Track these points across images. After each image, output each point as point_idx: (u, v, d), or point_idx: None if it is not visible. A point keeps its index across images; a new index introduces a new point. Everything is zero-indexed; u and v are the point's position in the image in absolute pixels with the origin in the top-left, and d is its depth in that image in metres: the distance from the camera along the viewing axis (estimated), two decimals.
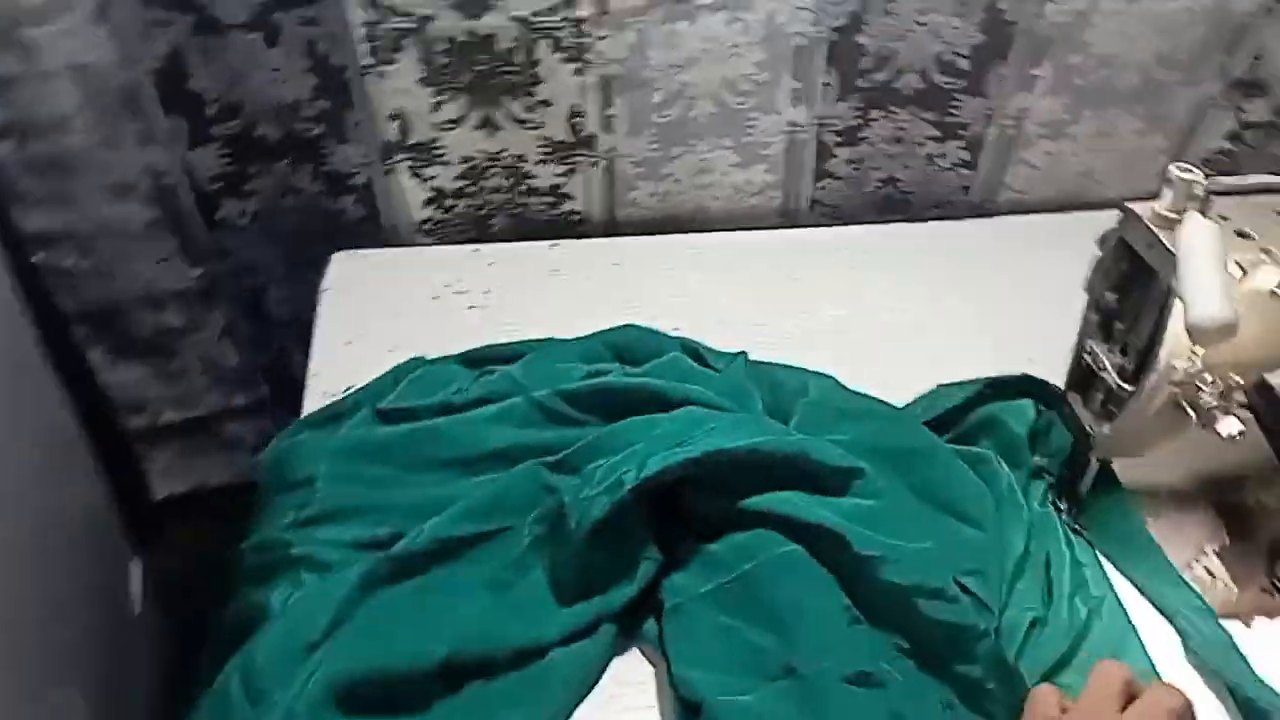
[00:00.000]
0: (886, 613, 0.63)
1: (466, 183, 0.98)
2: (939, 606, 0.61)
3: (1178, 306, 0.61)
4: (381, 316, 0.92)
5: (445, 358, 0.85)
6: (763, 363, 0.83)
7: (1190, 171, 0.62)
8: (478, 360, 0.84)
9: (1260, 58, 0.97)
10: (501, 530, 0.69)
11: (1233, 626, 0.69)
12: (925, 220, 1.05)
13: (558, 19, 0.87)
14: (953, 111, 0.98)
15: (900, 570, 0.62)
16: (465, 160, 0.96)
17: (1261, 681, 0.64)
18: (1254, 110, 1.01)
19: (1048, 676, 0.64)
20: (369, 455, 0.73)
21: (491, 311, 0.93)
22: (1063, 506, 0.76)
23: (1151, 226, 0.63)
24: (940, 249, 1.02)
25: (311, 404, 0.83)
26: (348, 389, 0.83)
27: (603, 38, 0.89)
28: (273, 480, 0.74)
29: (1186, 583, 0.71)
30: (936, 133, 1.00)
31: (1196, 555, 0.74)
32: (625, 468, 0.65)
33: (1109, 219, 1.06)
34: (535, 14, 0.86)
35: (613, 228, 1.03)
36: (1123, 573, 0.72)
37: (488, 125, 0.94)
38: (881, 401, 0.81)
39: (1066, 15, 0.92)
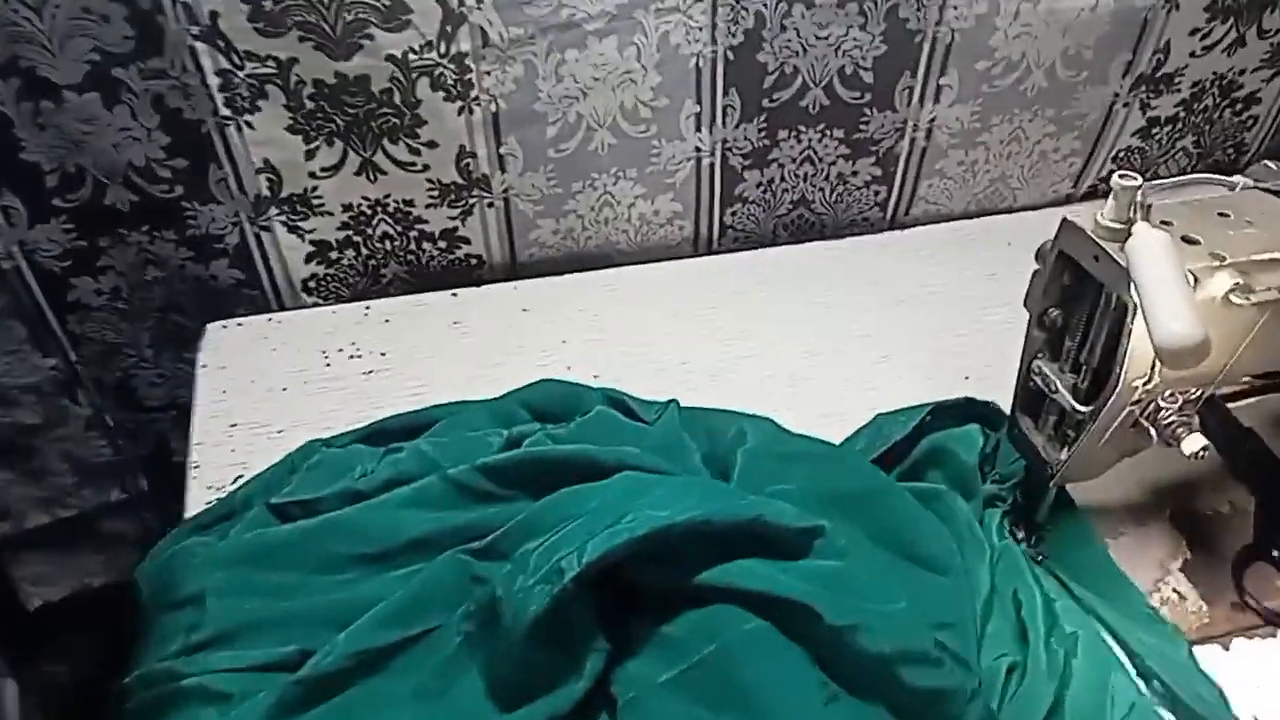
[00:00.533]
0: (866, 683, 0.57)
1: (351, 232, 0.91)
2: (923, 672, 0.56)
3: (1138, 323, 0.57)
4: (268, 393, 0.83)
5: (344, 435, 0.76)
6: (695, 409, 0.77)
7: (1131, 178, 0.58)
8: (381, 435, 0.76)
9: (1164, 52, 0.96)
10: (427, 633, 0.61)
11: (1212, 651, 0.66)
12: (840, 235, 1.02)
13: (435, 56, 0.80)
14: (862, 127, 0.95)
15: (878, 638, 0.56)
16: (347, 209, 0.89)
17: None
18: (1161, 105, 1.01)
19: None
20: (266, 560, 0.65)
21: (391, 375, 0.86)
22: (1020, 535, 0.72)
23: (1095, 238, 0.60)
24: (858, 265, 0.99)
25: (195, 500, 0.74)
26: (236, 481, 0.74)
27: (487, 73, 0.82)
28: (156, 598, 0.65)
29: (1156, 616, 0.68)
30: (847, 150, 0.96)
31: (1162, 575, 0.71)
32: (564, 551, 0.58)
33: (1024, 222, 1.06)
34: (410, 52, 0.79)
35: (515, 270, 0.97)
36: (1088, 610, 0.68)
37: (369, 170, 0.86)
38: (823, 442, 0.76)
39: (969, 21, 0.89)
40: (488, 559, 0.64)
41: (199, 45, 0.75)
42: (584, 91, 0.86)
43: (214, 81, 0.77)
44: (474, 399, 0.80)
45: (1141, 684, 0.64)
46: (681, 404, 0.77)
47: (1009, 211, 1.06)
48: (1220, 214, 0.62)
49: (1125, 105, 1.00)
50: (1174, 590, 0.70)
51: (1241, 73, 1.02)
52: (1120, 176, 0.58)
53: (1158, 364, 0.60)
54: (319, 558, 0.65)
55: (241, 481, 0.73)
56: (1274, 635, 0.67)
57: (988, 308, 0.94)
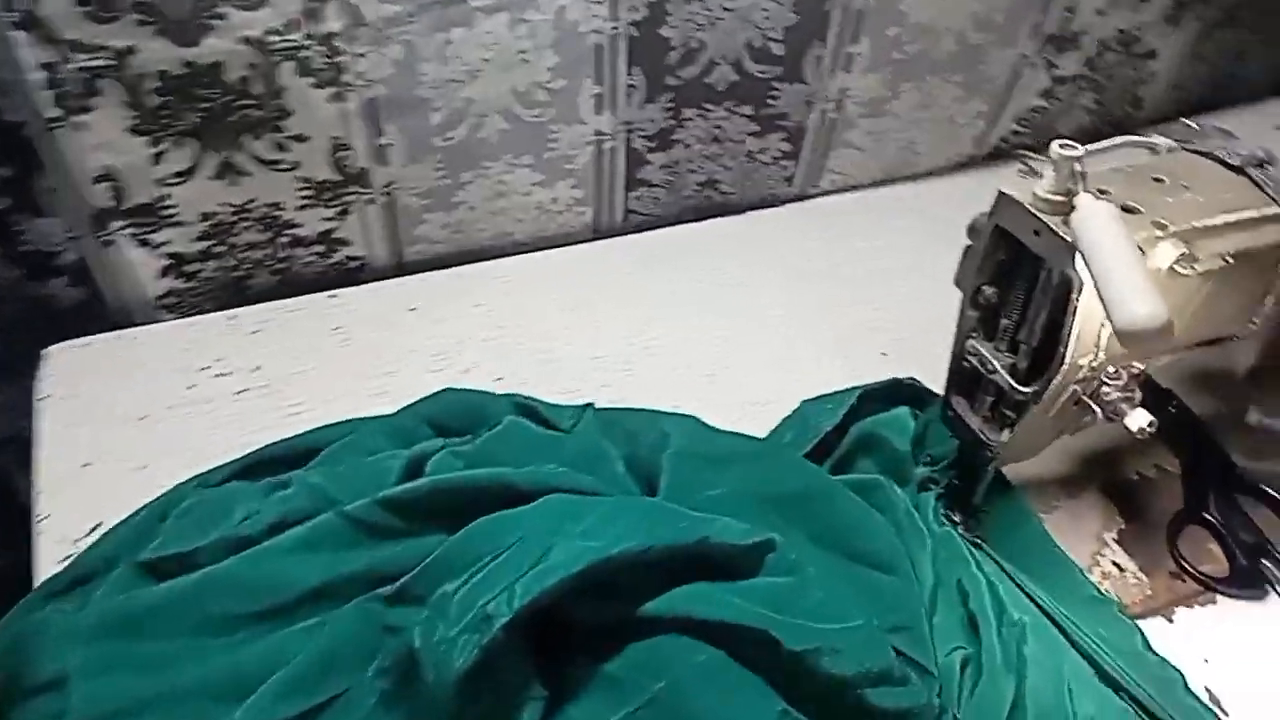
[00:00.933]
0: (830, 708, 0.53)
1: (212, 243, 0.81)
2: (888, 693, 0.52)
3: (1089, 301, 0.54)
4: (124, 423, 0.74)
5: (219, 470, 0.68)
6: (612, 410, 0.71)
7: (1072, 147, 0.54)
8: (263, 467, 0.68)
9: (1072, 10, 0.94)
10: (336, 697, 0.54)
11: (1157, 625, 0.65)
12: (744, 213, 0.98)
13: (300, 37, 0.71)
14: (771, 102, 0.90)
15: (841, 660, 0.52)
16: (206, 217, 0.79)
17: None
18: (1066, 64, 0.99)
19: None
20: (140, 628, 0.56)
21: (267, 393, 0.77)
22: (956, 519, 0.69)
23: (1035, 212, 0.56)
24: (765, 241, 0.95)
25: (46, 557, 0.64)
26: (94, 532, 0.64)
27: (361, 55, 0.74)
28: (6, 684, 0.55)
29: (1102, 596, 0.66)
30: (756, 127, 0.91)
31: (1099, 547, 0.70)
32: (489, 595, 0.52)
33: (929, 189, 1.03)
34: (270, 33, 0.70)
35: (401, 271, 0.89)
36: (1030, 595, 0.65)
37: (229, 173, 0.77)
38: (751, 438, 0.72)
39: None
40: (401, 605, 0.57)
41: (16, 35, 0.65)
42: (472, 74, 0.78)
43: (36, 77, 0.66)
44: (365, 415, 0.72)
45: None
46: (597, 405, 0.72)
47: (914, 178, 1.03)
48: (1155, 179, 0.60)
49: (1032, 65, 0.98)
50: (1113, 563, 0.69)
51: (1141, 28, 1.01)
52: (1060, 146, 0.55)
53: (1103, 341, 0.57)
54: (202, 620, 0.56)
55: (101, 533, 0.64)
56: (1214, 602, 0.67)
57: (900, 279, 0.91)
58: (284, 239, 0.83)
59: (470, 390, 0.73)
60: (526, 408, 0.71)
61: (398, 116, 0.79)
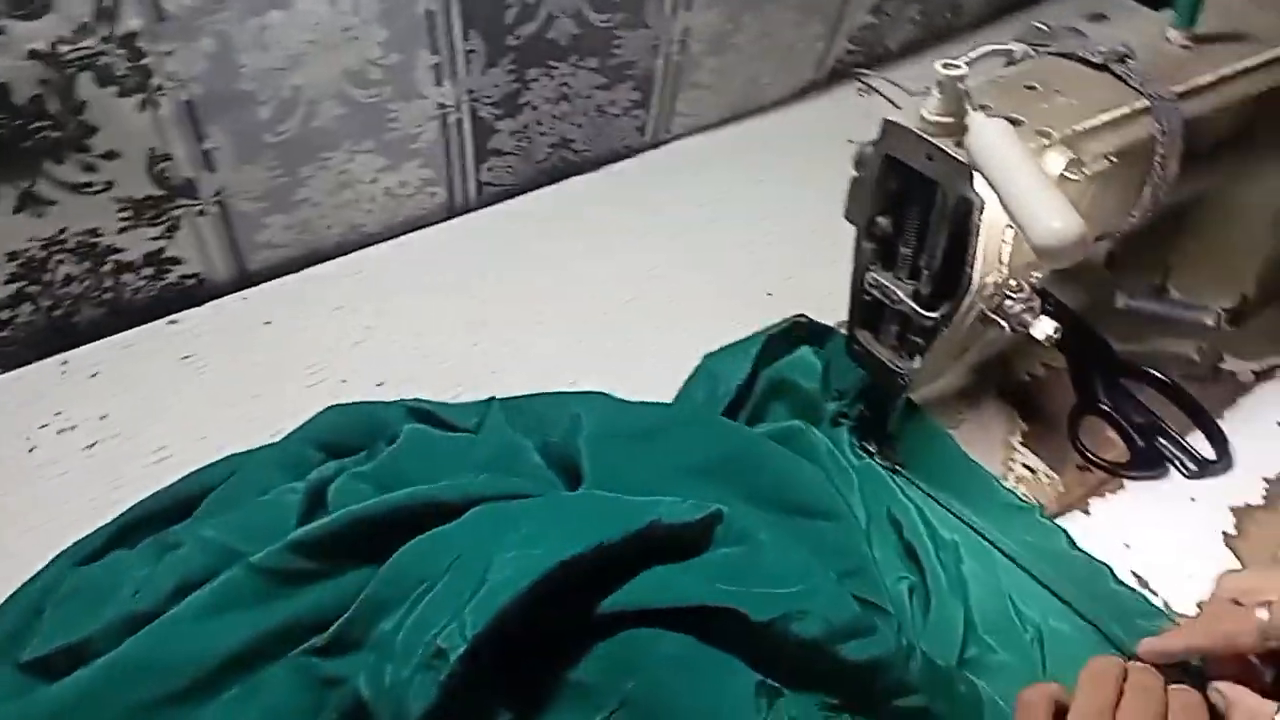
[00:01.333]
0: (806, 671, 0.52)
1: (24, 284, 0.72)
2: (860, 645, 0.51)
3: (991, 221, 0.54)
4: None
5: (89, 541, 0.60)
6: (517, 400, 0.68)
7: (955, 66, 0.54)
8: (141, 527, 0.61)
9: None
10: None
11: (1076, 520, 0.67)
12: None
13: (95, 43, 0.63)
14: (616, 51, 0.86)
15: (809, 622, 0.51)
16: (13, 257, 0.70)
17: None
18: None
19: (966, 657, 0.58)
20: None
21: (122, 442, 0.69)
22: (873, 449, 0.69)
23: (927, 136, 0.55)
24: (625, 196, 0.92)
25: None
26: None
27: (168, 53, 0.66)
28: None
29: (1021, 501, 0.68)
30: (604, 79, 0.88)
31: (1008, 452, 0.72)
32: (437, 626, 0.48)
33: (776, 120, 1.02)
34: (59, 43, 0.61)
35: (247, 284, 0.81)
36: (956, 515, 0.66)
37: (32, 204, 0.68)
38: (664, 406, 0.70)
39: None
40: (337, 654, 0.52)
41: None
42: (296, 59, 0.71)
43: None
44: (244, 449, 0.66)
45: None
46: (493, 394, 0.68)
47: (760, 110, 1.02)
48: (1028, 87, 0.60)
49: None
50: (1024, 465, 0.71)
51: None
52: (943, 66, 0.53)
53: (1005, 256, 0.57)
54: (117, 716, 0.50)
55: None
56: (1123, 487, 0.69)
57: (767, 215, 0.90)
58: (107, 267, 0.74)
59: (357, 404, 0.68)
60: (422, 413, 0.66)
61: (220, 116, 0.71)
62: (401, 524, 0.55)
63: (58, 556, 0.59)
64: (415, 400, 0.68)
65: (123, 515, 0.62)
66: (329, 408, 0.67)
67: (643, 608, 0.51)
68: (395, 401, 0.68)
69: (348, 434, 0.65)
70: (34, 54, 0.61)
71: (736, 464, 0.62)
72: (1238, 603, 0.52)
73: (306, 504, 0.59)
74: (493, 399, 0.67)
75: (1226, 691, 0.52)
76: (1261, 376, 0.76)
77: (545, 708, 0.51)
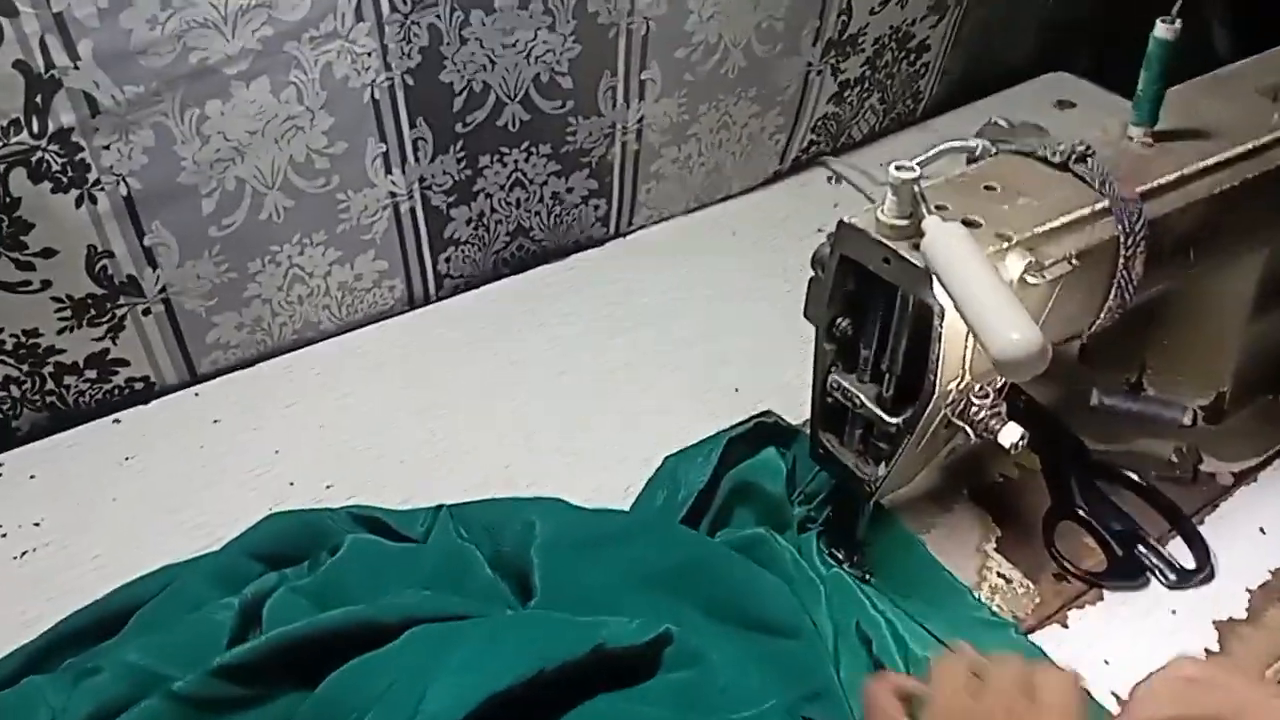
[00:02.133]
0: None
1: None
2: None
3: (953, 326, 0.52)
4: None
5: (6, 661, 0.57)
6: (467, 505, 0.65)
7: (908, 168, 0.52)
8: (63, 646, 0.58)
9: (848, 13, 0.94)
10: None
11: (1054, 633, 0.64)
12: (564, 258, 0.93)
13: (28, 138, 0.61)
14: (569, 138, 0.85)
15: None
16: None
17: None
18: (849, 68, 0.99)
19: None
20: None
21: (55, 551, 0.66)
22: (841, 557, 0.66)
23: (883, 240, 0.54)
24: (589, 285, 0.91)
25: None
26: None
27: (105, 147, 0.65)
28: None
29: (996, 618, 0.64)
30: (557, 166, 0.86)
31: (982, 560, 0.69)
32: None
33: (741, 208, 1.01)
34: None
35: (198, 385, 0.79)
36: (924, 628, 0.63)
37: None
38: (621, 513, 0.67)
39: (661, 7, 0.82)
40: None
41: None
42: (239, 150, 0.70)
43: None
44: (184, 558, 0.63)
45: None
46: (448, 499, 0.65)
47: (725, 199, 1.01)
48: (987, 187, 0.58)
49: (819, 73, 0.98)
50: (998, 575, 0.68)
51: (913, 23, 1.02)
52: (896, 168, 0.52)
53: (969, 362, 0.55)
54: None
55: None
56: (1101, 598, 0.66)
57: (733, 306, 0.89)
58: (47, 369, 0.72)
59: (299, 511, 0.65)
60: (369, 520, 0.64)
61: (161, 210, 0.69)
62: (335, 647, 0.52)
63: None
64: (360, 507, 0.65)
65: (45, 634, 0.58)
66: (270, 515, 0.65)
67: None
68: (340, 508, 0.65)
69: (289, 544, 0.63)
70: None
71: (694, 575, 0.59)
72: None
73: (239, 621, 0.56)
74: (441, 506, 0.64)
75: None
76: (1241, 479, 0.73)
77: None
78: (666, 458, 0.71)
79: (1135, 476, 0.71)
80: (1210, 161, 0.61)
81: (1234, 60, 0.72)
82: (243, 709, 0.51)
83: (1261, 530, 0.70)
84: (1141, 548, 0.68)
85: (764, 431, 0.72)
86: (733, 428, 0.71)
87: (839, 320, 0.60)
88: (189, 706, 0.51)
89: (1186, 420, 0.75)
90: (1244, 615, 0.65)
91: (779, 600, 0.59)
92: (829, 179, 1.05)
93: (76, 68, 0.60)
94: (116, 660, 0.54)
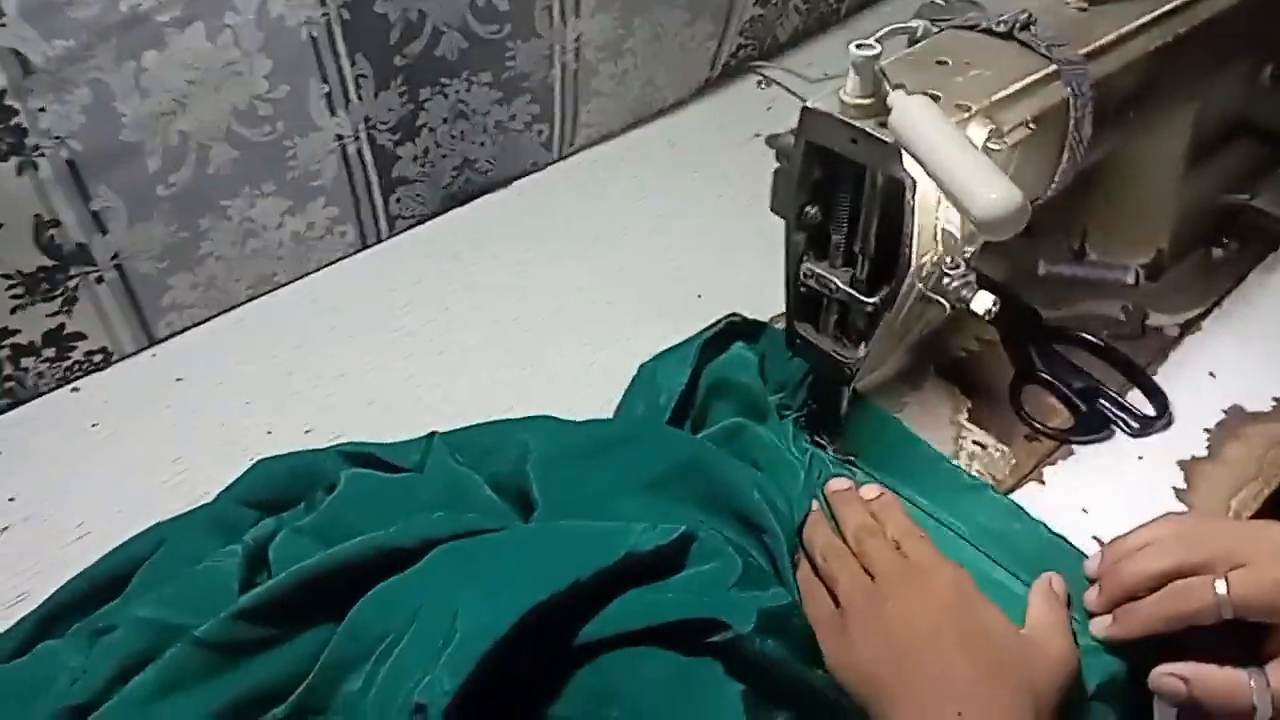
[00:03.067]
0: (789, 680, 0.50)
1: None
2: None
3: (923, 199, 0.53)
4: None
5: (9, 635, 0.56)
6: (459, 432, 0.65)
7: (869, 47, 0.53)
8: (64, 615, 0.57)
9: None
10: None
11: (1032, 491, 0.67)
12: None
13: None
14: (509, 63, 0.84)
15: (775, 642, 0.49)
16: None
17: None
18: None
19: None
20: None
21: (34, 524, 0.65)
22: (824, 441, 0.69)
23: (849, 120, 0.55)
24: (537, 212, 0.90)
25: None
26: None
27: (41, 109, 0.62)
28: None
29: (977, 481, 0.67)
30: (499, 94, 0.85)
31: (956, 431, 0.71)
32: (412, 681, 0.45)
33: (678, 121, 1.01)
34: None
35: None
36: (908, 500, 0.65)
37: None
38: (608, 422, 0.68)
39: None
40: None
41: None
42: (180, 102, 0.67)
43: None
44: (169, 517, 0.62)
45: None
46: (438, 431, 0.65)
47: (661, 113, 1.01)
48: (939, 62, 0.59)
49: None
50: (974, 442, 0.70)
51: None
52: (857, 46, 0.53)
53: (939, 234, 0.57)
54: None
55: None
56: (1073, 453, 0.69)
57: (682, 218, 0.89)
58: (3, 352, 0.69)
59: (288, 454, 0.64)
60: (360, 456, 0.63)
61: (106, 172, 0.67)
62: (355, 577, 0.52)
63: None
64: (351, 444, 0.65)
65: (45, 603, 0.57)
66: (258, 462, 0.64)
67: (621, 632, 0.49)
68: (329, 447, 0.64)
69: (282, 488, 0.62)
70: None
71: (690, 475, 0.60)
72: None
73: (247, 567, 0.56)
74: (433, 434, 0.64)
75: (1188, 674, 0.52)
76: (1186, 329, 0.77)
77: None
78: (642, 365, 0.72)
79: (1089, 336, 0.74)
80: (1145, 19, 0.63)
81: None
82: (268, 649, 0.51)
83: (1211, 374, 0.74)
84: (1103, 401, 0.71)
85: (734, 330, 0.73)
86: (704, 330, 0.73)
87: (808, 208, 0.61)
88: (214, 652, 0.50)
89: (1130, 280, 0.78)
90: (1205, 453, 0.69)
91: (750, 496, 0.60)
92: (758, 84, 1.05)
93: (2, 24, 0.58)
94: (130, 617, 0.53)
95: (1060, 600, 0.57)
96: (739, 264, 0.82)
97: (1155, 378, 0.73)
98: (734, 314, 0.75)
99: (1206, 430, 0.70)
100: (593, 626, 0.49)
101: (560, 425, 0.65)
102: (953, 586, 0.54)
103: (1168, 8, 0.63)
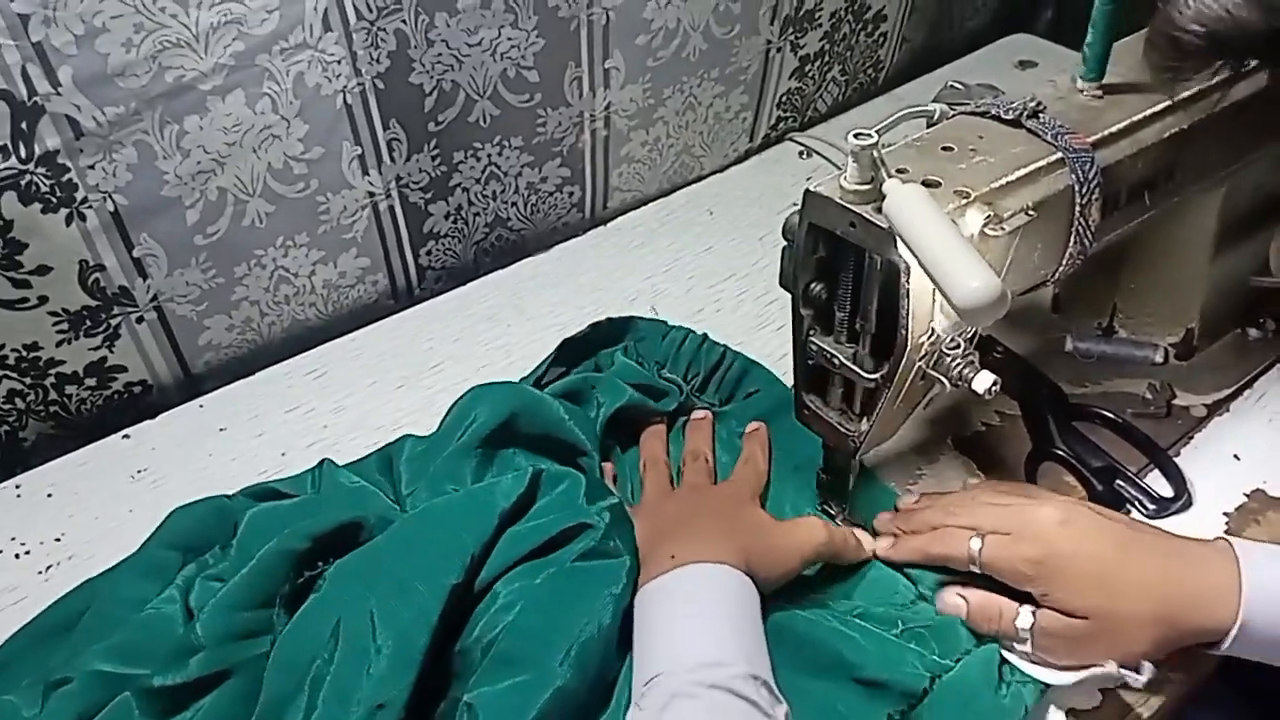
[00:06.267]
0: None
1: None
2: None
3: (918, 281, 0.54)
4: None
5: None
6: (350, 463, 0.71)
7: (866, 136, 0.54)
8: (8, 665, 0.60)
9: None
10: None
11: None
12: (548, 249, 0.94)
13: (16, 163, 0.63)
14: (539, 130, 0.87)
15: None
16: None
17: None
18: (808, 43, 1.01)
19: None
20: None
21: (77, 563, 0.68)
22: (833, 510, 0.69)
23: (847, 205, 0.56)
24: (573, 274, 0.92)
25: None
26: None
27: (90, 167, 0.66)
28: None
29: None
30: (530, 157, 0.88)
31: None
32: (359, 689, 0.51)
33: (716, 187, 1.03)
34: None
35: (194, 387, 0.81)
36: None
37: None
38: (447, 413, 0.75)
39: None
40: None
41: None
42: (219, 162, 0.72)
43: None
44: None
45: None
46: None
47: (699, 180, 1.03)
48: (945, 148, 0.60)
49: (779, 50, 0.99)
50: None
51: None
52: (855, 136, 0.54)
53: (937, 314, 0.57)
54: None
55: None
56: None
57: (715, 283, 0.90)
58: (49, 380, 0.74)
59: (202, 500, 0.68)
60: (262, 493, 0.67)
61: (148, 223, 0.71)
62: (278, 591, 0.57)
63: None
64: (254, 485, 0.68)
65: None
66: (177, 509, 0.67)
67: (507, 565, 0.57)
68: (240, 490, 0.68)
69: (199, 531, 0.65)
70: None
71: (508, 426, 0.68)
72: None
73: (185, 611, 0.60)
74: (324, 460, 0.69)
75: (970, 595, 0.60)
76: (1214, 410, 0.76)
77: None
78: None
79: (1111, 414, 0.73)
80: (1159, 108, 0.63)
81: None
82: (214, 688, 0.55)
83: (1236, 457, 0.72)
84: (1120, 481, 0.70)
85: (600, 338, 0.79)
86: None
87: (812, 285, 0.62)
88: (164, 698, 0.54)
89: (1158, 358, 0.77)
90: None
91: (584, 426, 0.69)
92: (800, 153, 1.07)
93: (58, 93, 0.62)
94: (83, 670, 0.56)
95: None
96: (768, 330, 0.83)
97: (1178, 458, 0.72)
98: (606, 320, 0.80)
99: (1225, 514, 0.69)
100: (486, 571, 0.57)
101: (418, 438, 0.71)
102: (723, 496, 0.67)
103: (1181, 97, 0.63)
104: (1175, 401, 0.76)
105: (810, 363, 0.64)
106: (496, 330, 0.86)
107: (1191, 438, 0.74)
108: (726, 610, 0.56)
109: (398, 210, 0.83)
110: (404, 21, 0.74)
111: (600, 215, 0.97)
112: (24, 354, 0.71)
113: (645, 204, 0.99)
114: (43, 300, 0.70)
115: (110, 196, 0.68)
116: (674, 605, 0.57)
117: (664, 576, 0.57)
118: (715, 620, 0.55)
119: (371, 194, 0.81)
